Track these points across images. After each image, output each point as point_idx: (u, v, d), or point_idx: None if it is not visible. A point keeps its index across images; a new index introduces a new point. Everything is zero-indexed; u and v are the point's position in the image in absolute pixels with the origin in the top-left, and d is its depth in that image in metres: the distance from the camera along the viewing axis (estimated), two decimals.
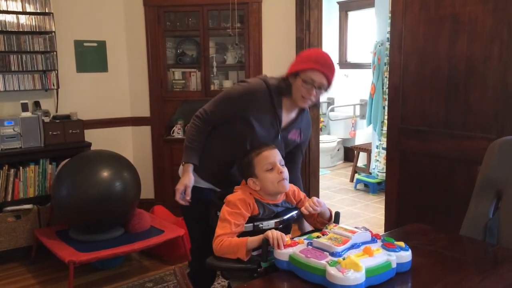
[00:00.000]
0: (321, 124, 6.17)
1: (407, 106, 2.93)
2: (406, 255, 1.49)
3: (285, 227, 1.82)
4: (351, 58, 6.72)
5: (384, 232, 2.80)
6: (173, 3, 4.13)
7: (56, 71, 3.71)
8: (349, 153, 6.64)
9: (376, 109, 5.16)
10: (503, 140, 1.99)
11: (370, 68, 5.33)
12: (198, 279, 2.11)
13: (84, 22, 4.00)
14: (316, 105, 2.05)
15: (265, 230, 1.65)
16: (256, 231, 1.72)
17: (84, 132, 3.79)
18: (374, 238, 1.56)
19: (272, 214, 1.81)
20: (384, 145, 4.74)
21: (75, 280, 3.05)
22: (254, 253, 1.66)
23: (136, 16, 4.18)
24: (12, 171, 3.46)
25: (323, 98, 6.74)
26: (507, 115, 2.45)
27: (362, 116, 6.32)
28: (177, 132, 4.30)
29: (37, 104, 3.74)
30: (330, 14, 6.69)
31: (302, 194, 1.93)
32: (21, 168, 3.50)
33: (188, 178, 1.99)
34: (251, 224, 1.75)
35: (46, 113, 3.71)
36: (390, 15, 3.73)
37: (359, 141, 6.08)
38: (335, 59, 6.73)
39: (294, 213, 1.86)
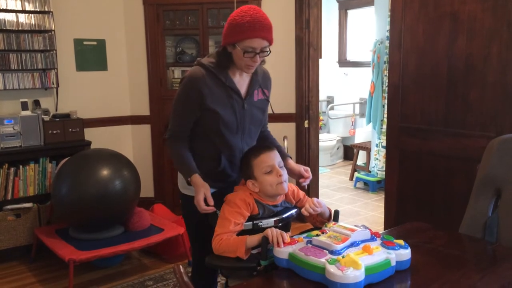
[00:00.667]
0: (320, 123, 6.17)
1: (407, 105, 2.93)
2: (405, 253, 1.50)
3: (284, 225, 1.83)
4: (350, 56, 6.72)
5: (384, 230, 2.81)
6: (172, 1, 4.12)
7: (55, 70, 3.71)
8: (349, 152, 6.65)
9: (376, 107, 5.17)
10: (502, 138, 1.99)
11: (370, 67, 5.33)
12: (199, 280, 2.11)
13: (83, 20, 3.99)
14: (263, 60, 1.95)
15: (265, 228, 1.66)
16: (256, 229, 1.72)
17: (84, 130, 3.79)
18: (374, 236, 1.56)
19: (271, 213, 1.81)
20: (384, 144, 4.74)
21: (75, 279, 3.05)
22: (254, 251, 1.67)
23: (136, 15, 4.18)
24: (12, 169, 3.46)
25: (323, 96, 6.74)
26: (506, 114, 2.46)
27: (362, 115, 6.32)
28: None
29: (37, 103, 3.74)
30: (330, 13, 6.68)
31: (302, 193, 1.93)
32: (21, 166, 3.50)
33: (203, 187, 1.85)
34: (251, 223, 1.75)
35: (46, 112, 3.71)
36: (389, 13, 3.73)
37: (358, 139, 6.09)
38: (334, 57, 6.74)
39: (293, 211, 1.86)
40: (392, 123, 3.04)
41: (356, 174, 5.61)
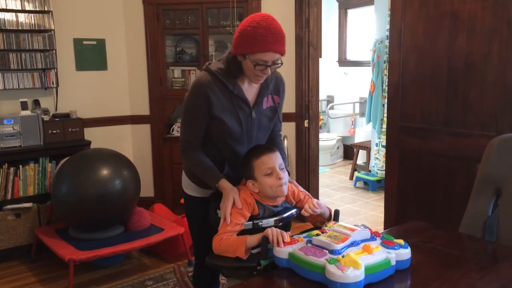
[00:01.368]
0: (320, 122, 6.17)
1: (407, 104, 2.93)
2: (405, 253, 1.50)
3: (284, 225, 1.83)
4: (350, 56, 6.72)
5: (384, 229, 2.81)
6: (172, 1, 4.12)
7: (55, 70, 3.71)
8: (349, 151, 6.65)
9: (376, 107, 5.16)
10: (502, 137, 1.99)
11: (370, 66, 5.33)
12: (201, 279, 2.11)
13: (83, 20, 3.99)
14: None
15: (265, 228, 1.66)
16: (256, 229, 1.72)
17: (83, 130, 3.79)
18: (374, 236, 1.56)
19: (271, 213, 1.81)
20: (384, 143, 4.74)
21: (75, 278, 3.05)
22: (254, 251, 1.67)
23: (135, 14, 4.18)
24: (11, 169, 3.46)
25: (323, 96, 6.74)
26: (507, 113, 2.45)
27: (362, 114, 6.32)
28: (177, 130, 4.30)
29: (36, 103, 3.74)
30: (330, 12, 6.68)
31: (302, 194, 1.92)
32: (20, 166, 3.50)
33: (232, 191, 1.77)
34: (251, 222, 1.75)
35: (46, 112, 3.71)
36: (389, 12, 3.72)
37: (358, 139, 6.09)
38: (334, 56, 6.73)
39: (293, 211, 1.86)
40: (392, 123, 3.04)
41: (356, 173, 5.61)
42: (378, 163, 5.17)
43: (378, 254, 1.44)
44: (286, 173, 1.81)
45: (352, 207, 4.74)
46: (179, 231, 3.31)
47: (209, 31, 4.16)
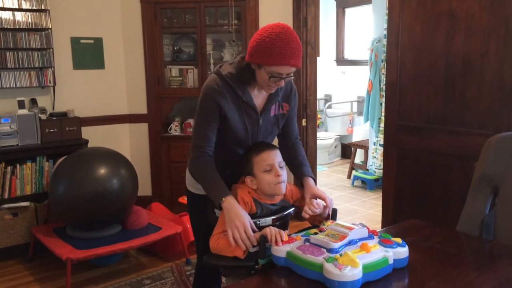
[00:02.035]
0: (318, 121, 6.17)
1: (404, 103, 2.93)
2: (403, 251, 1.50)
3: (282, 224, 1.83)
4: (348, 55, 6.72)
5: (381, 228, 2.81)
6: None
7: (52, 68, 3.70)
8: (347, 150, 6.65)
9: (373, 105, 5.17)
10: (499, 136, 1.99)
11: (367, 65, 5.33)
12: (202, 278, 2.11)
13: (80, 19, 3.98)
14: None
15: (263, 227, 1.66)
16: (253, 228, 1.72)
17: (81, 129, 3.79)
18: (371, 234, 1.56)
19: (269, 212, 1.81)
20: (381, 142, 4.74)
21: (72, 277, 3.05)
22: (252, 250, 1.67)
23: (133, 13, 4.17)
24: (8, 168, 3.45)
25: (321, 94, 6.74)
26: (504, 111, 2.46)
27: (359, 113, 6.33)
28: (174, 129, 4.29)
29: (33, 101, 3.73)
30: (327, 11, 6.68)
31: (300, 193, 1.92)
32: (17, 165, 3.49)
33: (241, 215, 1.67)
34: None
35: (43, 111, 3.71)
36: (387, 11, 3.72)
37: (356, 138, 6.09)
38: (332, 55, 6.73)
39: (291, 210, 1.86)
40: (389, 121, 3.04)
41: (353, 172, 5.62)
42: (375, 162, 5.18)
43: (376, 253, 1.44)
44: (285, 171, 1.81)
45: (350, 206, 4.75)
46: (176, 230, 3.31)
47: (207, 30, 4.16)
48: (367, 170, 5.45)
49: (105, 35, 4.13)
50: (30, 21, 3.55)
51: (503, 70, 2.44)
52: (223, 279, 2.23)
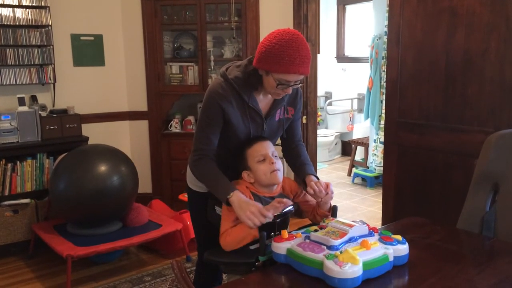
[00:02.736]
0: (318, 118, 6.17)
1: (405, 100, 2.93)
2: (403, 248, 1.50)
3: (282, 221, 1.82)
4: (348, 52, 6.71)
5: (382, 225, 2.81)
6: None
7: (52, 65, 3.69)
8: (347, 147, 6.65)
9: (374, 103, 5.16)
10: (500, 133, 1.99)
11: (368, 62, 5.32)
12: (204, 274, 2.11)
13: (80, 15, 3.98)
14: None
15: (265, 223, 1.66)
16: None
17: (81, 126, 3.79)
18: (371, 231, 1.56)
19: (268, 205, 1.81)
20: (382, 139, 4.74)
21: (73, 274, 3.05)
22: (252, 247, 1.67)
23: (133, 10, 4.16)
24: (9, 165, 3.45)
25: (321, 92, 6.74)
26: (504, 109, 2.46)
27: (360, 110, 6.32)
28: (175, 127, 4.29)
29: (34, 98, 3.73)
30: (328, 8, 6.67)
31: (299, 188, 1.93)
32: (18, 162, 3.49)
33: (251, 203, 1.68)
34: None
35: (43, 107, 3.70)
36: (388, 8, 3.72)
37: (356, 135, 6.09)
38: (332, 53, 6.72)
39: (291, 207, 1.86)
40: (390, 119, 3.04)
41: (354, 169, 5.62)
42: (376, 159, 5.18)
43: (376, 250, 1.45)
44: (280, 161, 1.82)
45: (350, 203, 4.75)
46: (177, 227, 3.31)
47: (207, 26, 4.15)
48: (368, 167, 5.45)
49: (105, 32, 4.12)
50: (30, 18, 3.54)
51: (504, 68, 2.44)
52: (224, 276, 2.23)
